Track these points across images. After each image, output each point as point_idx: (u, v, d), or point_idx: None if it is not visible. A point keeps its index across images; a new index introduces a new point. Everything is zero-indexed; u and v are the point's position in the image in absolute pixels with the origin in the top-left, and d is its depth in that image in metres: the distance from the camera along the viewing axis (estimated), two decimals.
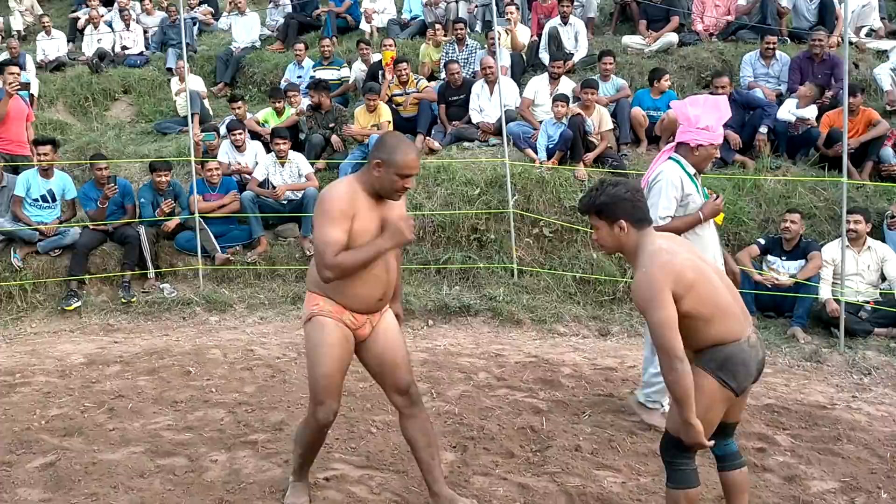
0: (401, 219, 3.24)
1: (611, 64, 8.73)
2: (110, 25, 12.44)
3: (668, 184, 4.13)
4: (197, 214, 7.70)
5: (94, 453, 4.25)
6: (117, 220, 7.79)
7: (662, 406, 4.54)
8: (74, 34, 12.77)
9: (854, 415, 4.81)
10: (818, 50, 8.35)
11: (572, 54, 9.55)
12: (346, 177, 3.32)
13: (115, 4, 12.56)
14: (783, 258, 6.67)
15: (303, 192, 8.04)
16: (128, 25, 12.31)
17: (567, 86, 8.59)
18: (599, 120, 7.98)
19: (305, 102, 9.37)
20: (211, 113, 10.47)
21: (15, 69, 8.51)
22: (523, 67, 9.71)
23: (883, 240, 6.77)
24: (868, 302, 6.38)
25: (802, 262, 6.59)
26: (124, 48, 12.18)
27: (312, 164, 8.40)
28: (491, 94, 8.75)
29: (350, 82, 10.37)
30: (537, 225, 7.48)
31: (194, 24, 12.52)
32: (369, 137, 8.39)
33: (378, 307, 3.41)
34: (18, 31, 13.03)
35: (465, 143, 8.61)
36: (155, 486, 3.89)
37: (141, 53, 12.17)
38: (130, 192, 7.98)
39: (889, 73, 8.50)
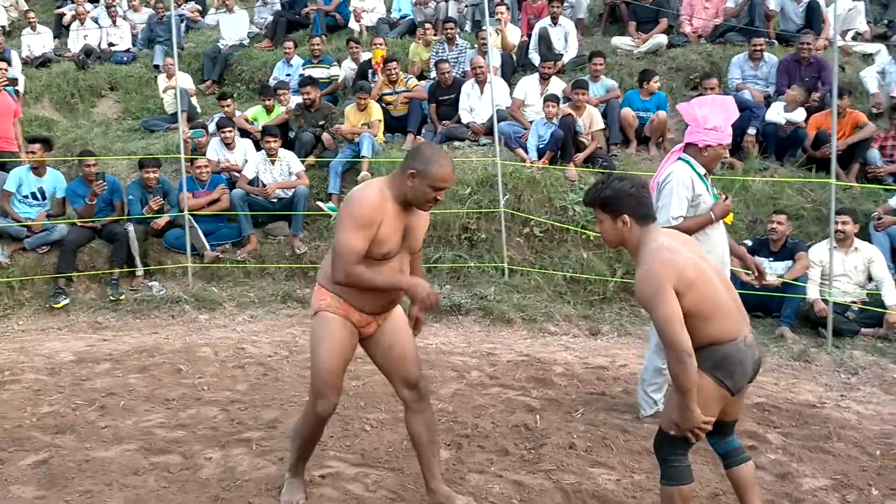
0: (422, 227, 3.34)
1: (601, 65, 8.77)
2: (96, 21, 12.34)
3: (679, 184, 4.14)
4: (187, 212, 7.67)
5: (86, 451, 4.23)
6: (106, 217, 7.74)
7: (657, 404, 4.58)
8: (60, 30, 12.65)
9: (843, 413, 4.86)
10: (806, 53, 8.43)
11: (562, 55, 9.58)
12: (377, 181, 3.29)
13: (102, 0, 12.47)
14: (770, 259, 6.72)
15: (293, 190, 8.02)
16: (114, 21, 12.22)
17: (557, 86, 8.62)
18: (590, 120, 8.01)
19: (295, 100, 9.34)
20: (199, 110, 10.43)
21: (2, 64, 8.44)
22: (513, 67, 9.74)
23: (869, 241, 6.83)
24: (855, 302, 6.45)
25: (790, 262, 6.65)
26: (111, 45, 12.08)
27: (302, 161, 8.38)
28: (481, 93, 8.77)
29: (340, 81, 10.35)
30: (528, 224, 7.50)
31: (182, 20, 12.46)
32: (360, 136, 8.38)
33: (386, 310, 3.42)
34: (3, 27, 12.87)
35: (456, 143, 8.63)
36: (149, 484, 3.88)
37: (128, 50, 12.08)
38: (119, 189, 7.93)
39: (875, 76, 8.60)
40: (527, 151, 8.03)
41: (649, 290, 2.88)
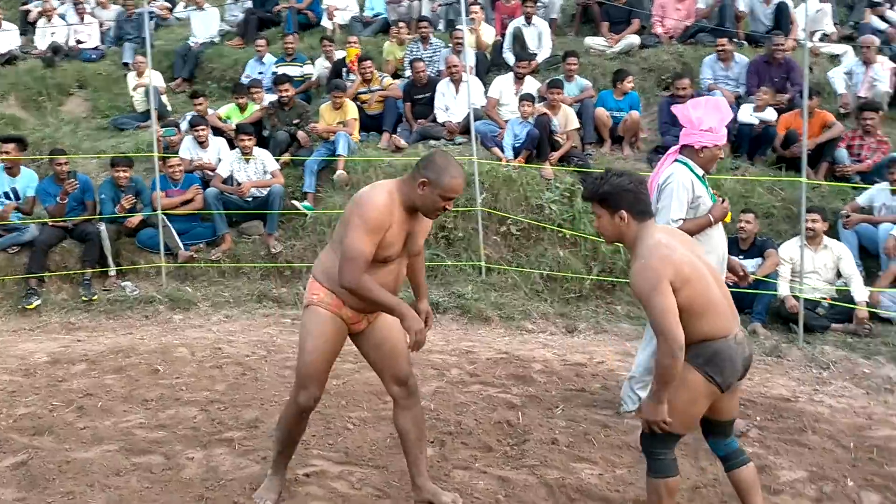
0: (424, 231, 3.39)
1: (575, 65, 8.85)
2: (64, 18, 12.16)
3: (679, 186, 4.18)
4: (160, 211, 7.59)
5: (66, 452, 4.18)
6: (77, 217, 7.63)
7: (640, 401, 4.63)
8: (26, 27, 12.44)
9: (817, 407, 4.96)
10: (779, 54, 8.57)
11: (536, 54, 9.64)
12: (386, 185, 3.27)
13: None
14: (740, 257, 6.82)
15: (268, 189, 7.98)
16: (82, 19, 12.05)
17: (531, 86, 8.68)
18: (565, 120, 8.08)
19: (268, 99, 9.29)
20: (169, 108, 10.31)
21: None
22: (487, 67, 9.77)
23: (838, 238, 6.98)
24: (825, 298, 6.58)
25: (759, 260, 6.76)
26: (79, 42, 11.90)
27: (277, 160, 8.33)
28: (457, 92, 8.79)
29: (313, 79, 10.31)
30: (505, 223, 7.55)
31: (151, 18, 12.29)
32: (335, 135, 8.36)
33: (377, 309, 3.43)
34: None
35: (432, 142, 8.64)
36: (132, 484, 3.85)
37: (96, 48, 11.92)
38: (91, 188, 7.82)
39: (843, 77, 8.78)
40: (503, 150, 8.07)
41: (646, 284, 2.91)
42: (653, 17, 10.21)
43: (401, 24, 10.35)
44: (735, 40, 9.45)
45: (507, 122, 8.30)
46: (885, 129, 8.08)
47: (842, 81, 8.75)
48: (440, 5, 11.19)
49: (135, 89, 10.44)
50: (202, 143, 8.53)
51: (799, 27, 9.60)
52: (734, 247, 6.85)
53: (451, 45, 9.56)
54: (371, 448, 4.28)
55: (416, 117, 9.03)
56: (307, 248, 7.90)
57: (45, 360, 5.79)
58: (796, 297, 6.34)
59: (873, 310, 6.42)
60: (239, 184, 8.04)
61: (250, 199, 8.04)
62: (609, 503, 3.70)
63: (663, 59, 9.64)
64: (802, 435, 4.48)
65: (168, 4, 12.97)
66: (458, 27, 9.72)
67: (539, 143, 7.82)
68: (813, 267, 6.64)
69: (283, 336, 6.51)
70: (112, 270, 7.58)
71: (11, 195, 7.56)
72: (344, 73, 9.62)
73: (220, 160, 8.39)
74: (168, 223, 7.68)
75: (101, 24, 12.26)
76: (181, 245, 7.74)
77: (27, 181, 7.67)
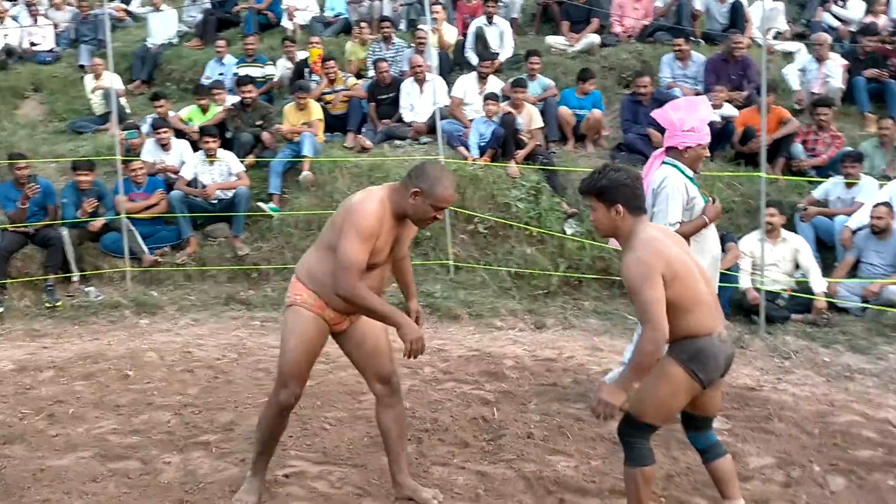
0: (410, 236, 3.44)
1: (537, 64, 8.95)
2: (17, 20, 11.91)
3: (674, 190, 4.23)
4: (124, 215, 7.50)
5: (39, 460, 4.14)
6: (39, 222, 7.51)
7: None
8: None
9: (781, 395, 5.11)
10: (738, 52, 8.77)
11: (498, 54, 9.72)
12: (377, 192, 3.28)
13: None
14: None
15: (233, 191, 7.93)
16: (36, 20, 11.82)
17: (495, 85, 8.75)
18: (529, 118, 8.17)
19: (231, 100, 9.23)
20: (128, 111, 10.18)
21: None
22: (450, 66, 9.82)
23: (795, 231, 7.17)
24: (785, 290, 6.76)
25: (721, 253, 6.91)
26: (33, 44, 11.68)
27: (242, 162, 8.29)
28: (421, 92, 8.83)
29: (275, 80, 10.27)
30: (472, 222, 7.61)
31: (107, 19, 12.10)
32: (300, 136, 8.34)
33: (372, 317, 3.45)
34: None
35: (397, 142, 8.67)
36: (110, 490, 3.83)
37: (51, 50, 11.70)
38: (52, 192, 7.70)
39: (797, 74, 9.01)
40: (468, 149, 8.13)
41: (639, 275, 2.98)
42: (611, 16, 10.36)
43: (363, 24, 10.35)
44: (692, 39, 9.64)
45: (471, 121, 8.36)
46: (838, 125, 8.31)
47: (796, 78, 8.98)
48: (401, 5, 11.21)
49: (93, 92, 10.27)
50: (164, 146, 8.45)
51: (754, 25, 9.83)
52: None
53: (413, 44, 9.60)
54: (349, 447, 4.31)
55: (380, 117, 9.05)
56: (274, 249, 7.88)
57: (10, 368, 5.70)
58: (757, 290, 6.49)
59: (831, 300, 6.61)
60: (204, 186, 7.98)
61: (215, 202, 7.98)
62: (586, 494, 3.78)
63: (623, 57, 9.78)
64: (769, 422, 4.62)
65: (124, 6, 12.77)
66: (420, 27, 9.78)
67: (504, 142, 7.90)
68: (772, 259, 6.80)
69: (254, 338, 6.49)
70: (75, 276, 7.48)
71: None
72: (307, 74, 9.59)
73: (183, 162, 8.32)
74: (132, 227, 7.59)
75: (55, 26, 12.04)
76: (145, 249, 7.66)
77: None
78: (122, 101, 10.08)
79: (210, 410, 4.86)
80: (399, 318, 3.23)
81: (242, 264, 7.76)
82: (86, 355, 5.98)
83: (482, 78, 8.76)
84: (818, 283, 6.63)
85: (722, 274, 6.65)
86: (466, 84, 8.81)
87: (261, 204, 8.05)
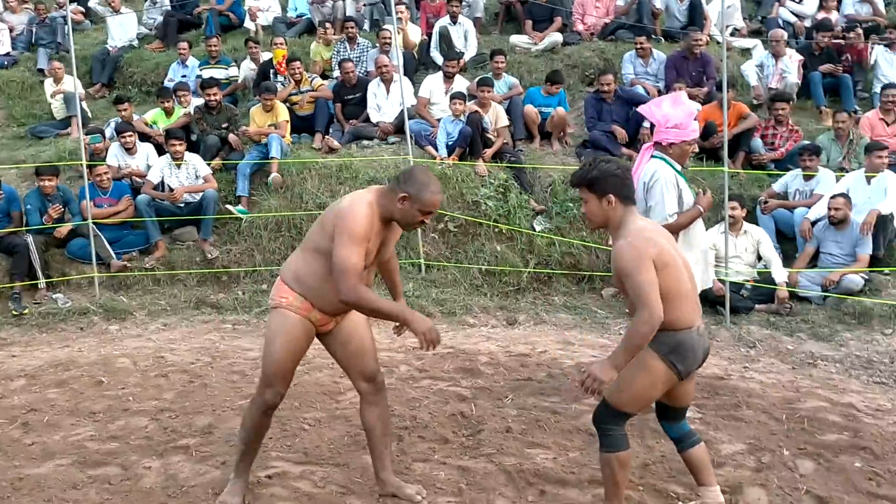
0: (395, 238, 3.49)
1: (502, 63, 9.04)
2: None
3: (667, 183, 4.34)
4: (90, 220, 7.43)
5: (17, 469, 4.10)
6: (3, 229, 7.40)
7: None
8: None
9: (748, 383, 5.25)
10: (697, 49, 8.94)
11: (462, 53, 9.79)
12: (365, 196, 3.31)
13: None
14: None
15: (201, 194, 7.90)
16: None
17: (461, 84, 8.82)
18: (496, 117, 8.26)
19: (195, 103, 9.17)
20: (90, 115, 10.06)
21: None
22: (415, 66, 9.87)
23: (756, 224, 7.35)
24: (748, 281, 6.93)
25: None
26: None
27: (209, 164, 8.24)
28: (388, 92, 8.86)
29: (239, 82, 10.22)
30: (442, 220, 7.67)
31: (65, 22, 11.94)
32: (267, 137, 8.33)
33: (347, 311, 3.49)
34: None
35: (365, 142, 8.69)
36: (91, 497, 3.81)
37: (7, 54, 11.50)
38: (16, 198, 7.61)
39: (755, 70, 9.23)
40: (436, 148, 8.19)
41: (631, 260, 3.05)
42: (574, 14, 10.49)
43: (327, 25, 10.34)
44: (653, 37, 9.82)
45: (439, 120, 8.42)
46: (794, 119, 8.55)
47: (754, 74, 9.20)
48: (365, 5, 11.22)
49: (53, 96, 10.13)
50: (129, 150, 8.38)
51: (712, 22, 10.03)
52: None
53: (378, 44, 9.62)
54: (329, 447, 4.34)
55: (346, 118, 9.06)
56: (244, 252, 7.86)
57: None
58: (722, 281, 6.63)
59: (793, 290, 6.80)
60: (171, 189, 7.93)
61: (183, 205, 7.94)
62: (566, 484, 3.86)
63: (586, 55, 9.92)
64: (738, 410, 4.75)
65: (81, 8, 12.59)
66: (384, 27, 9.80)
67: (472, 141, 7.97)
68: (735, 251, 6.97)
69: (227, 342, 6.47)
70: (42, 283, 7.39)
71: None
72: (272, 75, 9.56)
73: (149, 166, 8.26)
74: (98, 232, 7.53)
75: (10, 30, 11.83)
76: (113, 254, 7.60)
77: None
78: (83, 104, 9.95)
79: (187, 414, 4.85)
80: (407, 314, 3.29)
81: (212, 267, 7.73)
82: (57, 363, 5.91)
83: (448, 77, 8.82)
84: (780, 274, 6.81)
85: None
86: (433, 84, 8.87)
87: (230, 206, 8.03)
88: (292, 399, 5.01)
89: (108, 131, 8.97)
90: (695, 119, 4.54)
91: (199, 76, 10.00)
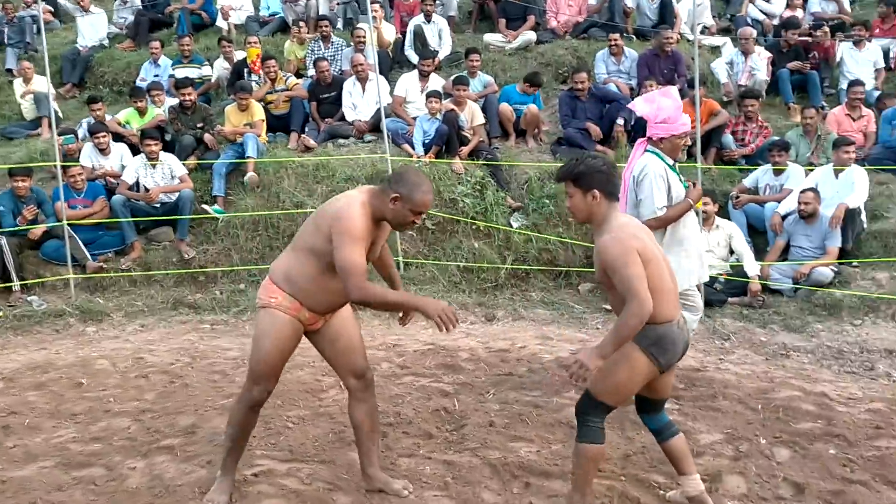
0: (384, 236, 3.49)
1: (477, 61, 9.10)
2: None
3: (656, 177, 4.41)
4: (65, 221, 7.36)
5: (0, 472, 4.07)
6: None
7: None
8: None
9: (724, 375, 5.36)
10: (668, 47, 9.07)
11: (437, 52, 9.83)
12: (357, 197, 3.32)
13: None
14: None
15: (177, 194, 7.86)
16: None
17: (436, 83, 8.86)
18: (471, 115, 8.32)
19: (169, 102, 9.11)
20: (60, 115, 9.95)
21: None
22: (390, 65, 9.89)
23: (729, 218, 7.48)
24: (721, 275, 7.05)
25: None
26: None
27: (184, 164, 8.20)
28: (363, 91, 8.88)
29: (212, 81, 10.17)
30: None
31: (33, 22, 11.80)
32: (243, 137, 8.31)
33: (336, 309, 3.53)
34: None
35: (341, 140, 8.70)
36: (77, 498, 3.80)
37: None
38: None
39: (725, 67, 9.38)
40: (413, 147, 8.23)
41: (618, 254, 3.11)
42: (546, 13, 10.57)
43: (301, 24, 10.33)
44: (625, 35, 9.93)
45: (415, 118, 8.45)
46: (764, 115, 8.70)
47: (724, 71, 9.35)
48: (338, 3, 11.22)
49: (22, 96, 10.03)
50: (103, 150, 8.31)
51: (682, 21, 10.17)
52: None
53: (352, 43, 9.63)
54: (314, 444, 4.36)
55: (322, 116, 9.06)
56: (220, 252, 7.84)
57: None
58: None
59: (764, 282, 6.94)
60: (147, 190, 7.88)
61: (158, 205, 7.90)
62: (550, 476, 3.92)
63: (559, 53, 10.02)
64: (715, 401, 4.84)
65: (50, 8, 12.43)
66: (358, 25, 9.81)
67: (448, 139, 8.02)
68: (708, 246, 7.08)
69: (205, 342, 6.46)
70: (16, 285, 7.32)
71: None
72: (246, 74, 9.53)
73: (123, 166, 8.20)
74: (73, 233, 7.46)
75: None
76: (88, 255, 7.55)
77: None
78: (54, 105, 9.84)
79: (169, 415, 4.84)
80: (416, 301, 3.32)
81: (189, 268, 7.70)
82: (34, 365, 5.87)
83: (423, 76, 8.86)
84: (752, 267, 6.94)
85: None
86: (408, 82, 8.90)
87: (206, 206, 8.00)
88: (275, 397, 4.99)
89: (81, 132, 8.90)
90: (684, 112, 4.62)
91: (172, 75, 9.94)
